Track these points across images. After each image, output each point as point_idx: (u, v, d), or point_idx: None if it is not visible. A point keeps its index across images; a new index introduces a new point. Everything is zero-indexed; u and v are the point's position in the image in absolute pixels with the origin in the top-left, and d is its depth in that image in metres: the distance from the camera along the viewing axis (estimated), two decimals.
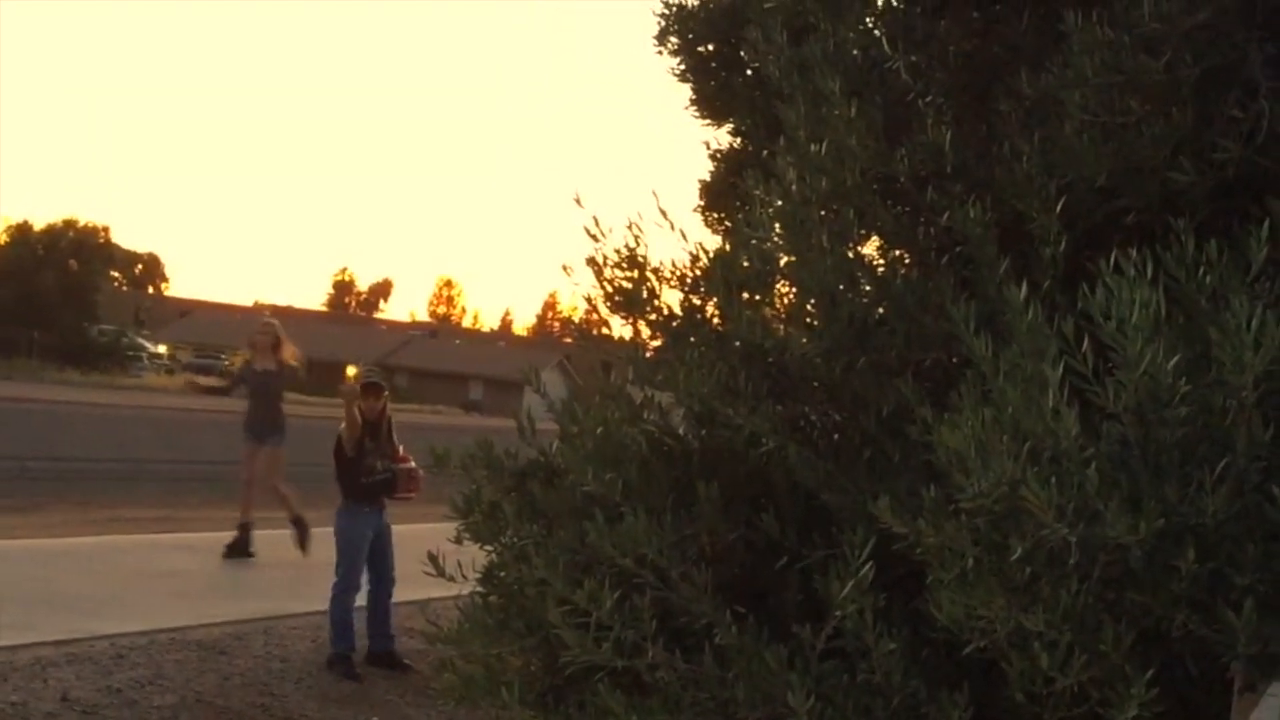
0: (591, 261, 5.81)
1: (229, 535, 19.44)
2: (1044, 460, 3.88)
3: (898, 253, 5.55)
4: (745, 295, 5.52)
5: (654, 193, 5.70)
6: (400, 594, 14.30)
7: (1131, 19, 4.57)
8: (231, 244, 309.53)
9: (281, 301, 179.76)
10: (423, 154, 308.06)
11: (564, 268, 5.93)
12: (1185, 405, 3.82)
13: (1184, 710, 4.25)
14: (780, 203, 5.34)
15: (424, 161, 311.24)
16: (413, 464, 14.30)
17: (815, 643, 4.73)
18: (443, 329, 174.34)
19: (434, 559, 5.91)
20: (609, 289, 5.82)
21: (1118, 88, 4.60)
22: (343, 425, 14.41)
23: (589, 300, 5.94)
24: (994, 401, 4.04)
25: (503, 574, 5.72)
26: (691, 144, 7.56)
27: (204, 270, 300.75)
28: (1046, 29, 5.01)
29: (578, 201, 5.77)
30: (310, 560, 18.96)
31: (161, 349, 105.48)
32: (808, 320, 5.50)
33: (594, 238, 5.78)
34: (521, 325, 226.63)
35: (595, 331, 6.23)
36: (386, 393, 14.98)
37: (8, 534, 20.30)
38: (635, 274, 5.78)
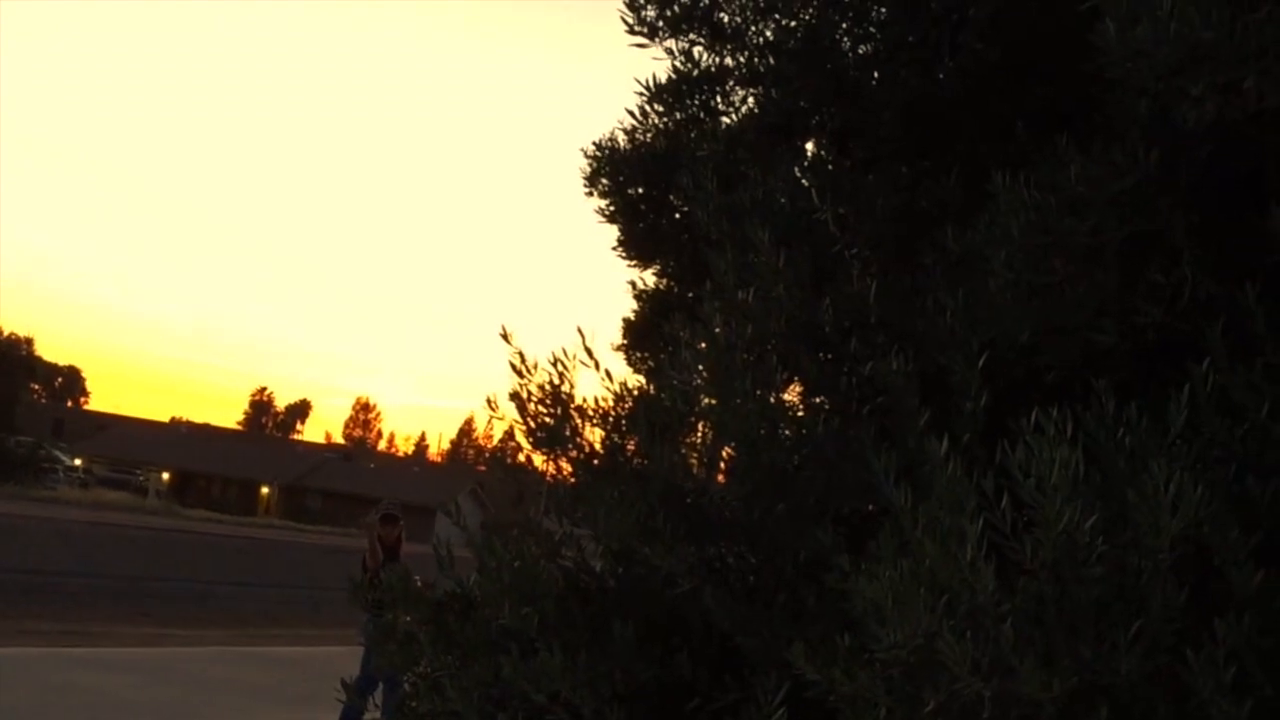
0: (515, 396, 5.83)
1: (137, 651, 19.35)
2: (960, 614, 3.90)
3: (819, 400, 5.59)
4: (666, 436, 5.54)
5: (579, 330, 5.74)
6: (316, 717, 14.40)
7: (1058, 181, 4.66)
8: (152, 359, 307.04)
9: (199, 419, 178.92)
10: (347, 277, 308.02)
11: (488, 401, 5.95)
12: (1101, 565, 3.86)
13: None
14: (704, 346, 5.38)
15: (347, 285, 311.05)
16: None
17: None
18: (358, 452, 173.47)
19: (346, 686, 5.88)
20: (532, 424, 5.83)
21: (1043, 248, 4.68)
22: (366, 553, 16.42)
23: (511, 435, 5.97)
24: (912, 553, 4.06)
25: (414, 704, 5.69)
26: (614, 282, 7.61)
27: (123, 385, 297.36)
28: (974, 187, 5.09)
29: (504, 337, 5.79)
30: (219, 677, 18.84)
31: (77, 462, 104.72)
32: (728, 464, 5.53)
33: (519, 373, 5.80)
34: (436, 450, 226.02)
35: (511, 462, 6.25)
36: (402, 522, 17.04)
37: None
38: (558, 410, 5.80)
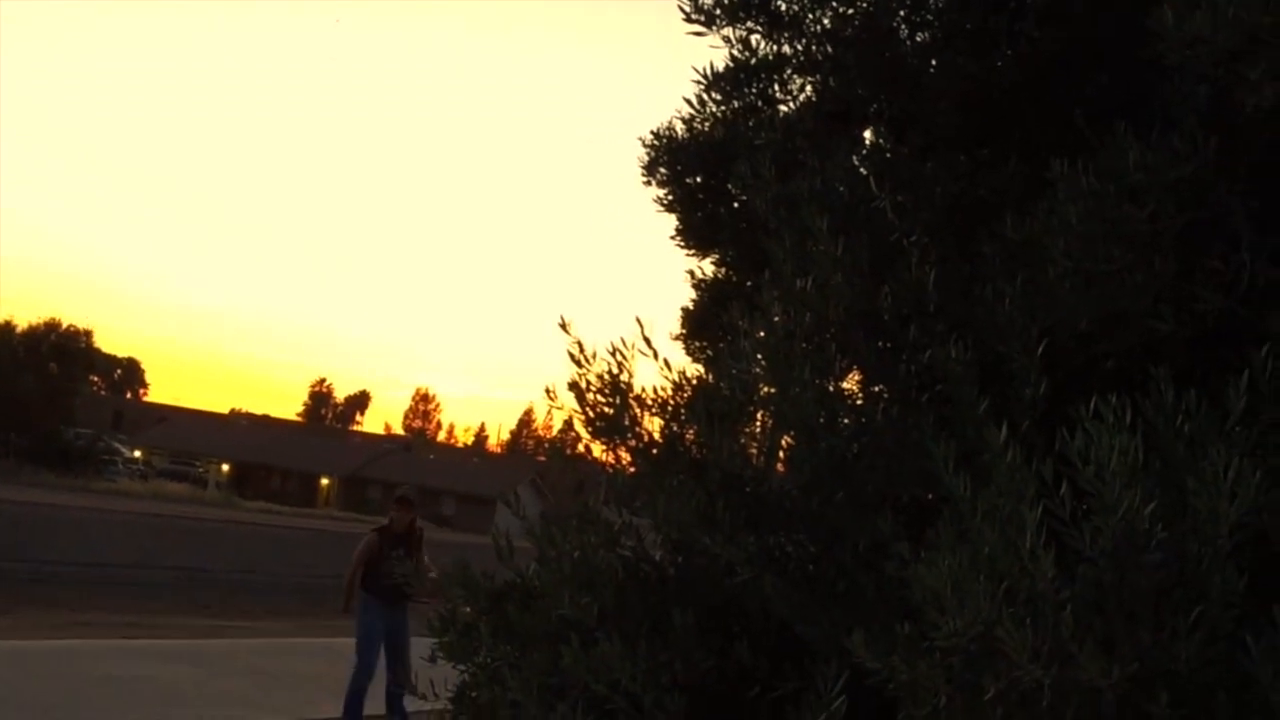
0: (574, 386, 5.83)
1: (198, 642, 19.47)
2: (1019, 601, 3.90)
3: (878, 388, 5.58)
4: (725, 425, 5.53)
5: (638, 319, 5.74)
6: (373, 708, 14.60)
7: (1117, 169, 4.65)
8: (211, 351, 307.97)
9: (258, 411, 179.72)
10: (406, 269, 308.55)
11: (547, 391, 5.96)
12: (1160, 551, 3.85)
13: None
14: (763, 335, 5.38)
15: (406, 274, 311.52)
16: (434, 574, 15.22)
17: None
18: (418, 443, 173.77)
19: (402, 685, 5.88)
20: (591, 414, 5.83)
21: (1101, 236, 4.67)
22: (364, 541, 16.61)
23: (570, 425, 5.98)
24: (971, 541, 4.06)
25: (474, 694, 5.70)
26: (672, 272, 7.62)
27: (183, 377, 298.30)
28: (1033, 175, 5.08)
29: (563, 327, 5.79)
30: (278, 669, 18.92)
31: (137, 454, 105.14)
32: (787, 452, 5.53)
33: (578, 363, 5.80)
34: (496, 440, 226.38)
35: (570, 452, 6.25)
36: (416, 509, 16.96)
37: None
38: (617, 400, 5.80)
